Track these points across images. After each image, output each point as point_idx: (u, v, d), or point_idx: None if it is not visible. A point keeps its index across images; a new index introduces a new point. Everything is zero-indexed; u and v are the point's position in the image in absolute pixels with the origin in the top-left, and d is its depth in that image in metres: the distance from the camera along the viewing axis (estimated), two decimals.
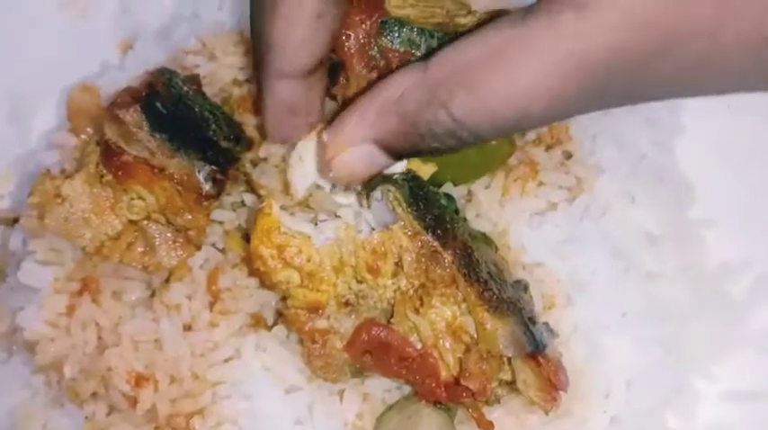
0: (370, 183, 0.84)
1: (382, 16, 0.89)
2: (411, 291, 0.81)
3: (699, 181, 1.04)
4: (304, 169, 0.85)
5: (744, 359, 0.99)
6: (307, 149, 0.85)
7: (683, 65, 0.59)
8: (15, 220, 1.04)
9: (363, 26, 0.88)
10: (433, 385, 0.80)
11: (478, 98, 0.65)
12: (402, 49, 0.89)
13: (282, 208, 0.85)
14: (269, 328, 0.90)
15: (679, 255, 0.97)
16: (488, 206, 0.92)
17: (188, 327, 0.90)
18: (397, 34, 0.89)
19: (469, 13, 0.93)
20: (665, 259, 0.96)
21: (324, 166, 0.80)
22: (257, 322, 0.91)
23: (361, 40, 0.88)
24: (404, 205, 0.80)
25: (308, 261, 0.82)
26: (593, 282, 0.92)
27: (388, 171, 0.87)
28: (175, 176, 0.86)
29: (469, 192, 0.94)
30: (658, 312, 0.94)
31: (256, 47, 0.79)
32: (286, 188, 0.88)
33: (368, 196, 0.83)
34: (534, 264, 0.91)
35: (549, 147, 0.97)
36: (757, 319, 1.01)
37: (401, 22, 0.89)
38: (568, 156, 0.96)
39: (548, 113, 0.65)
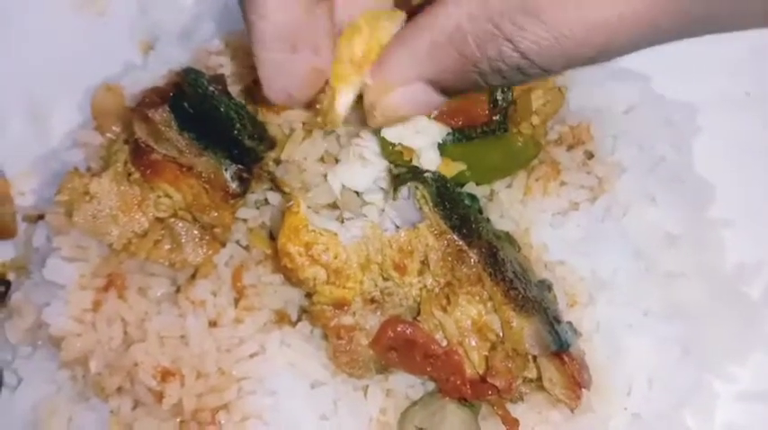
0: (398, 179, 0.85)
1: None
2: (437, 290, 0.82)
3: (717, 181, 1.05)
4: (337, 171, 0.86)
5: (762, 359, 0.99)
6: (345, 153, 0.86)
7: None
8: (39, 217, 1.05)
9: None
10: (458, 382, 0.81)
11: (551, 28, 0.56)
12: None
13: (309, 206, 0.87)
14: (293, 325, 0.91)
15: (698, 254, 0.98)
16: (510, 206, 0.93)
17: (213, 323, 0.91)
18: None
19: None
20: (684, 259, 0.97)
21: (369, 110, 0.70)
22: (281, 318, 0.92)
23: None
24: (430, 204, 0.81)
25: (335, 258, 0.83)
26: (614, 280, 0.93)
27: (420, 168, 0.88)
28: (203, 175, 0.88)
29: (492, 192, 0.95)
30: (678, 311, 0.95)
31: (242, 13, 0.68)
32: (305, 187, 0.88)
33: (395, 192, 0.84)
34: (556, 262, 0.92)
35: (570, 147, 0.97)
36: None
37: None
38: (590, 155, 0.96)
39: (631, 43, 0.56)
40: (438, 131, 0.89)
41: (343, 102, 0.72)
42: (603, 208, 0.95)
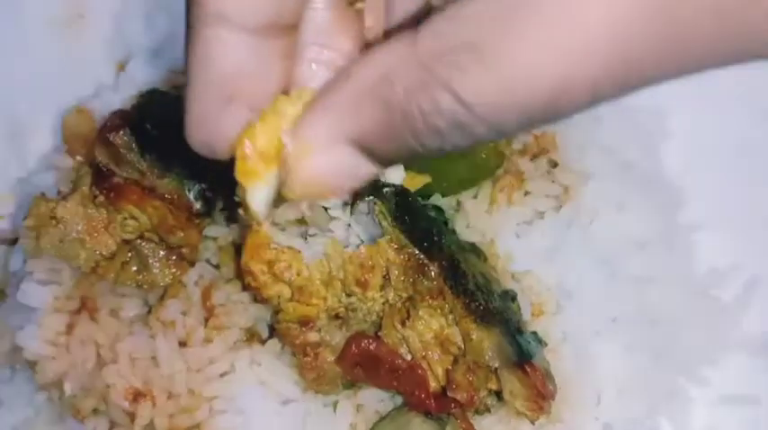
0: (357, 194, 0.85)
1: None
2: (399, 304, 0.82)
3: (687, 185, 1.05)
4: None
5: (735, 363, 0.99)
6: None
7: None
8: (15, 241, 1.06)
9: None
10: (423, 396, 0.81)
11: (499, 68, 0.44)
12: None
13: (274, 224, 0.87)
14: (263, 342, 0.91)
15: (668, 259, 0.98)
16: (476, 216, 0.93)
17: (183, 343, 0.91)
18: None
19: None
20: (655, 264, 0.96)
21: (286, 179, 0.55)
22: (251, 336, 0.92)
23: None
24: (389, 219, 0.81)
25: (298, 275, 0.83)
26: (581, 288, 0.93)
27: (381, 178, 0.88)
28: (166, 196, 0.88)
29: (458, 203, 0.95)
30: (648, 317, 0.94)
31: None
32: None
33: (352, 207, 0.84)
34: (523, 272, 0.92)
35: (534, 157, 0.97)
36: (748, 322, 1.01)
37: None
38: (554, 164, 0.96)
39: (606, 87, 0.44)
40: None
41: (257, 199, 0.59)
42: (569, 216, 0.94)
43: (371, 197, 0.84)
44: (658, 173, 1.04)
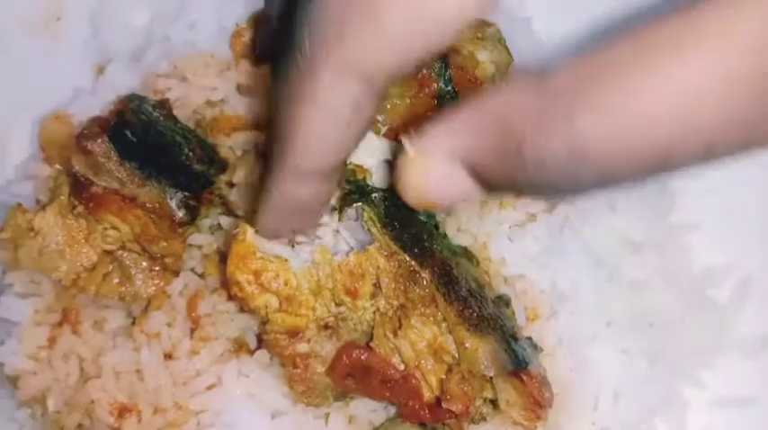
0: (345, 200, 0.83)
1: None
2: (390, 312, 0.80)
3: (680, 185, 1.03)
4: None
5: (732, 364, 0.98)
6: None
7: None
8: None
9: None
10: (417, 407, 0.79)
11: (617, 116, 0.46)
12: None
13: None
14: (251, 353, 0.89)
15: (662, 261, 0.96)
16: (468, 220, 0.91)
17: (169, 356, 0.89)
18: None
19: None
20: (649, 266, 0.95)
21: (403, 185, 0.61)
22: (239, 347, 0.90)
23: None
24: (378, 226, 0.79)
25: (286, 285, 0.81)
26: (575, 292, 0.91)
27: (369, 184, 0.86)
28: (147, 205, 0.86)
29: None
30: (644, 320, 0.93)
31: (272, 131, 0.67)
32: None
33: (341, 213, 0.82)
34: (516, 276, 0.90)
35: None
36: (743, 323, 1.00)
37: None
38: None
39: (721, 143, 0.46)
40: (387, 148, 0.87)
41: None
42: (562, 218, 0.93)
43: (359, 203, 0.82)
44: None
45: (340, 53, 0.56)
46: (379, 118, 0.90)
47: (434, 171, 0.58)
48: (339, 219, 0.82)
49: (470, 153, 0.55)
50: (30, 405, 0.94)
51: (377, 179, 0.88)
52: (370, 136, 0.87)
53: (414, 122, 0.90)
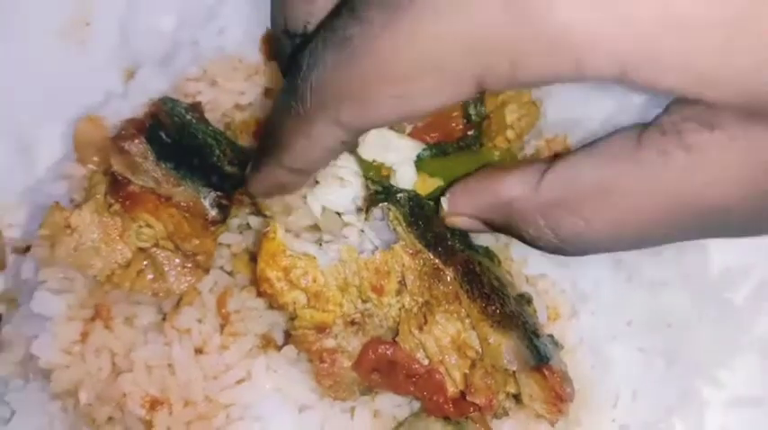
0: (372, 200, 0.86)
1: None
2: (415, 309, 0.83)
3: None
4: (316, 193, 0.87)
5: (749, 364, 0.99)
6: (324, 175, 0.87)
7: None
8: (27, 249, 1.06)
9: None
10: (441, 401, 0.81)
11: (589, 227, 0.69)
12: None
13: (288, 230, 0.87)
14: (279, 349, 0.92)
15: (681, 262, 0.97)
16: None
17: (199, 351, 0.91)
18: None
19: None
20: (667, 267, 0.96)
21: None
22: (267, 343, 0.92)
23: None
24: (403, 224, 0.82)
25: (314, 282, 0.83)
26: (596, 292, 0.93)
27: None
28: (182, 204, 0.88)
29: None
30: (662, 320, 0.94)
31: (270, 132, 0.79)
32: (287, 210, 0.89)
33: (367, 213, 0.84)
34: (537, 275, 0.92)
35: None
36: (761, 324, 1.01)
37: None
38: None
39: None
40: (412, 148, 0.90)
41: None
42: None
43: (385, 203, 0.84)
44: None
45: (334, 116, 0.68)
46: None
47: (460, 219, 0.83)
48: (365, 219, 0.85)
49: (480, 216, 0.81)
50: (62, 398, 0.96)
51: (401, 178, 0.90)
52: (395, 136, 0.90)
53: (437, 124, 0.92)
